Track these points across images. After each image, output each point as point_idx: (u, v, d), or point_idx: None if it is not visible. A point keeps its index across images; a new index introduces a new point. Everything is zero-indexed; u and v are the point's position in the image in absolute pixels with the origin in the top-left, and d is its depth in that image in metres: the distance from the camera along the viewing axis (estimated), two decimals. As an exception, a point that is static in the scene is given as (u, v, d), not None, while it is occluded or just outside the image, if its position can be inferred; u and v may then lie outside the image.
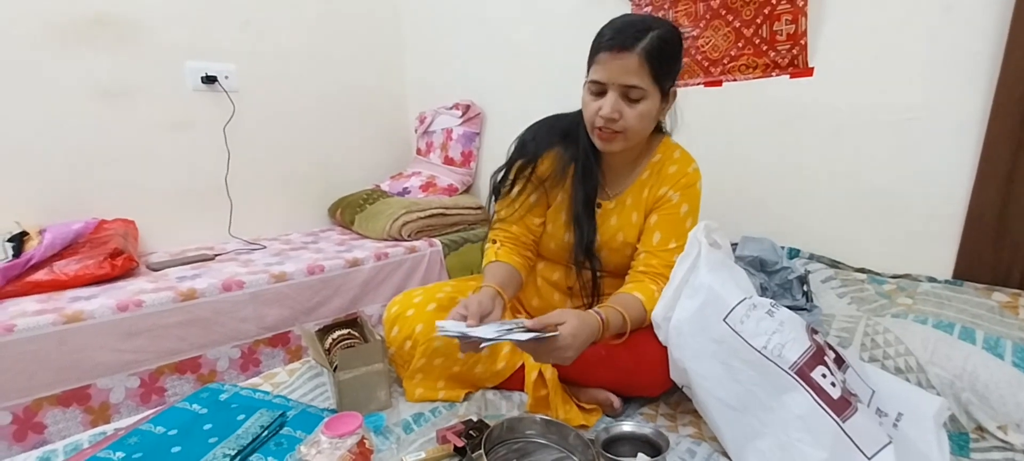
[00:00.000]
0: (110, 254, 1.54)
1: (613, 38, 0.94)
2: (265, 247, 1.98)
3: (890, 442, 0.74)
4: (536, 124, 1.14)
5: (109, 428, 1.01)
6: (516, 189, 1.11)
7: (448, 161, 2.36)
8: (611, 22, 0.98)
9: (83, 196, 1.80)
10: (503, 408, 1.07)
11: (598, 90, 0.98)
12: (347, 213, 2.23)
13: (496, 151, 2.30)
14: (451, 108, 2.37)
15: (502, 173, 1.13)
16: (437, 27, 2.43)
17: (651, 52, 0.93)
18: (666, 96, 1.00)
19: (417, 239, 1.99)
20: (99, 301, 1.36)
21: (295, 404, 1.02)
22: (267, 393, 1.06)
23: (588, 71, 1.00)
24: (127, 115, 1.86)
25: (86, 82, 1.78)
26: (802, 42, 1.32)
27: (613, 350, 0.99)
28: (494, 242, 1.15)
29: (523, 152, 1.11)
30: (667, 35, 0.95)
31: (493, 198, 1.16)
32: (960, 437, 0.94)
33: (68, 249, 1.57)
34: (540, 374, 1.04)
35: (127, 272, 1.58)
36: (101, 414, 1.35)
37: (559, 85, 1.75)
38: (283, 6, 2.17)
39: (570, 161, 1.07)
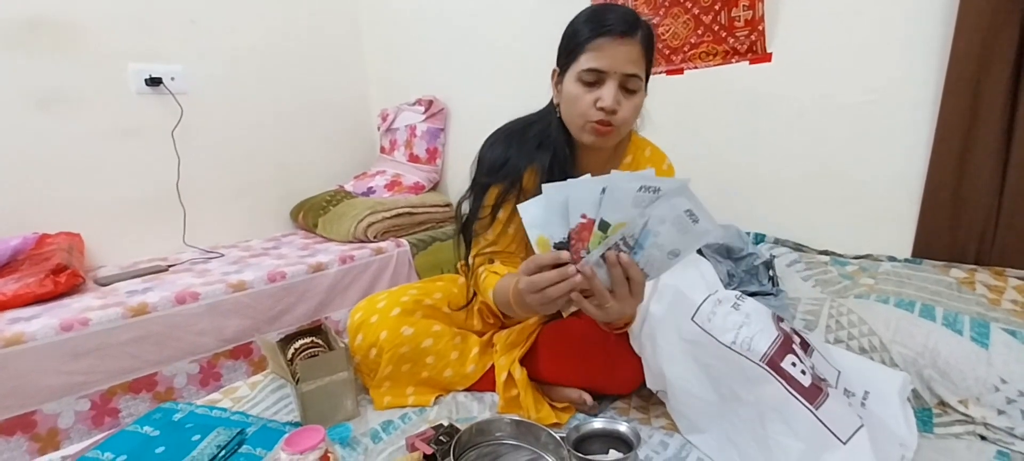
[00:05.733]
0: (52, 270, 1.45)
1: (615, 23, 0.86)
2: (223, 255, 1.90)
3: (862, 425, 0.74)
4: (499, 138, 1.03)
5: (57, 456, 0.95)
6: (503, 214, 1.00)
7: (413, 159, 2.31)
8: (594, 11, 0.90)
9: (22, 210, 1.70)
10: (475, 410, 1.05)
11: (594, 80, 0.89)
12: (310, 216, 2.16)
13: (462, 147, 2.26)
14: (414, 104, 2.32)
15: (472, 203, 1.01)
16: (397, 21, 2.37)
17: (647, 41, 0.89)
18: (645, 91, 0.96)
19: (384, 240, 1.95)
20: (41, 321, 1.28)
21: (255, 420, 0.97)
22: (225, 410, 1.01)
23: (572, 63, 0.91)
24: (68, 123, 1.76)
25: (20, 90, 1.67)
26: (760, 28, 1.32)
27: (584, 348, 0.97)
28: (491, 261, 1.02)
29: (501, 175, 0.98)
30: (651, 26, 0.92)
31: (461, 238, 1.05)
32: (924, 412, 0.95)
33: (6, 267, 1.48)
34: (510, 374, 1.01)
35: (72, 289, 1.49)
36: (49, 441, 1.27)
37: (523, 77, 1.73)
38: (232, 3, 2.08)
39: (546, 168, 0.97)
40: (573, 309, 0.76)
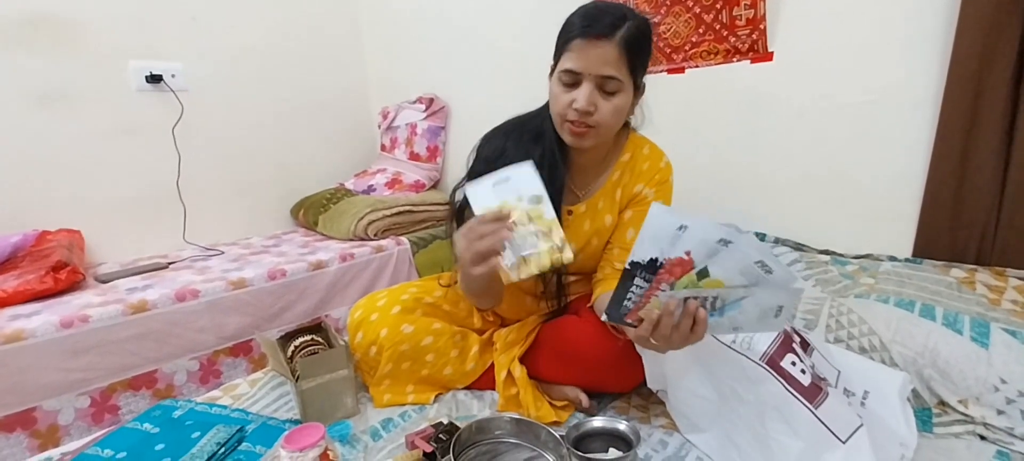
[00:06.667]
0: (53, 267, 1.45)
1: (590, 25, 0.87)
2: (223, 252, 1.90)
3: (862, 424, 0.74)
4: (497, 132, 1.04)
5: (55, 453, 0.95)
6: None
7: (414, 157, 2.31)
8: (584, 8, 0.91)
9: (22, 207, 1.70)
10: (474, 408, 1.05)
11: (571, 81, 0.90)
12: (310, 214, 2.16)
13: (463, 145, 2.26)
14: (415, 102, 2.32)
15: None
16: (397, 20, 2.37)
17: (629, 41, 0.87)
18: (637, 89, 0.96)
19: (384, 238, 1.95)
20: (41, 318, 1.28)
21: (254, 417, 0.97)
22: (225, 407, 1.01)
23: (558, 60, 0.93)
24: (68, 120, 1.75)
25: (21, 87, 1.67)
26: (761, 26, 1.32)
27: (584, 347, 0.97)
28: None
29: (496, 166, 0.97)
30: (643, 25, 0.90)
31: (454, 224, 1.04)
32: (923, 412, 0.95)
33: (6, 264, 1.48)
34: (509, 373, 1.02)
35: (72, 286, 1.49)
36: (49, 437, 1.27)
37: (524, 75, 1.72)
38: (233, 0, 2.08)
39: (536, 163, 0.99)
40: (523, 274, 0.75)
